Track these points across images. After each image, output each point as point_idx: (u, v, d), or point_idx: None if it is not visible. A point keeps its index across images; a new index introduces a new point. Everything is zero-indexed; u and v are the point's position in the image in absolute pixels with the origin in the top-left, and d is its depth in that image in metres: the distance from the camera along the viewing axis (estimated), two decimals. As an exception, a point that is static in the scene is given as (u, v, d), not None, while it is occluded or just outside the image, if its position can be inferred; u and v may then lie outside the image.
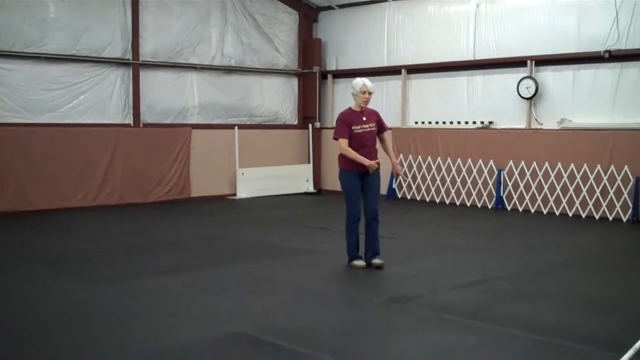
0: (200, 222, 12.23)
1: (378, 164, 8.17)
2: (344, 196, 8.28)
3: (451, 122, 14.85)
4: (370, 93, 8.16)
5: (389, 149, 8.63)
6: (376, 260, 8.20)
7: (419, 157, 15.07)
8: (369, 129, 8.18)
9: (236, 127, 15.69)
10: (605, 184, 12.44)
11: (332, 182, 16.86)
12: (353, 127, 8.13)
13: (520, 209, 13.52)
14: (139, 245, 9.86)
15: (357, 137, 8.13)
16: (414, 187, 15.19)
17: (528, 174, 13.40)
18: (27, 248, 9.65)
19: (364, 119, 8.18)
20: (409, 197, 15.25)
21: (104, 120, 14.03)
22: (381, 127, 8.39)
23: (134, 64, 14.27)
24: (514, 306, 6.67)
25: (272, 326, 5.93)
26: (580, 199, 12.73)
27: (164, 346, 5.44)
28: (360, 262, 8.25)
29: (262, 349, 5.39)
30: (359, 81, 8.18)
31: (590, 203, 12.61)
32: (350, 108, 8.28)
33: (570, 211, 12.85)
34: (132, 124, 14.37)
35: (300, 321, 6.16)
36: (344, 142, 8.11)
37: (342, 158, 8.18)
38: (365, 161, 8.04)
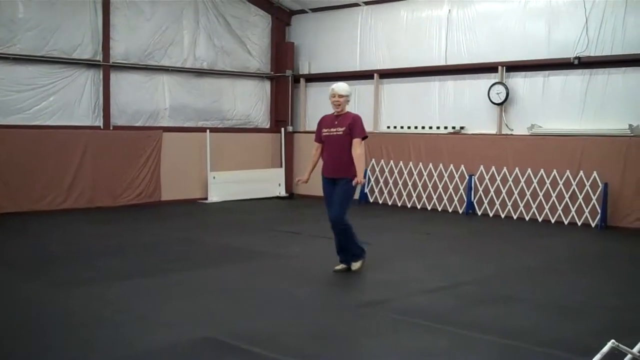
0: (171, 225, 12.12)
1: (299, 181, 8.50)
2: None
3: (423, 127, 14.90)
4: (340, 95, 8.02)
5: (355, 157, 7.94)
6: (336, 266, 8.26)
7: (391, 162, 15.11)
8: (335, 134, 8.01)
9: (208, 131, 15.59)
10: (574, 189, 12.56)
11: (304, 186, 16.79)
12: (323, 130, 8.15)
13: (491, 214, 13.60)
14: (108, 248, 9.73)
15: (324, 140, 8.16)
16: (385, 192, 15.22)
17: (498, 179, 13.49)
18: (-7, 251, 9.50)
19: (336, 122, 8.05)
20: (380, 201, 15.28)
21: (74, 122, 13.86)
22: (351, 133, 7.99)
23: (105, 66, 14.13)
24: (484, 310, 6.70)
25: (242, 331, 5.89)
26: (549, 204, 12.83)
27: (133, 351, 5.37)
28: (338, 266, 8.28)
29: (231, 354, 5.34)
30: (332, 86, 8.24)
31: (560, 208, 12.72)
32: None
33: (540, 216, 12.95)
34: (102, 127, 14.21)
35: (269, 326, 6.11)
36: (314, 145, 8.32)
37: None
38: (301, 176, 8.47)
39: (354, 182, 7.89)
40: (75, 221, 12.28)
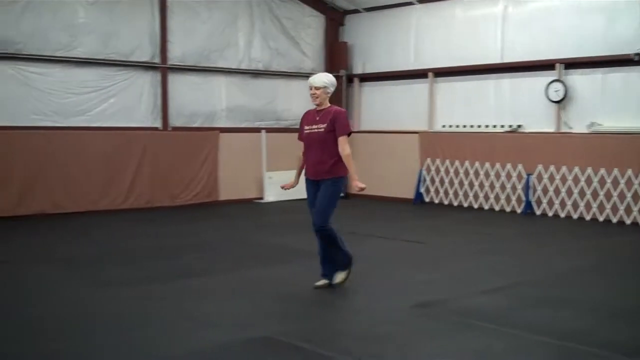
0: (226, 225, 12.26)
1: (284, 187, 7.56)
2: None
3: (479, 126, 14.73)
4: (316, 87, 7.22)
5: (344, 159, 7.19)
6: (317, 282, 7.45)
7: (447, 161, 14.97)
8: (316, 130, 7.24)
9: (263, 131, 15.73)
10: (636, 188, 12.25)
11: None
12: (304, 128, 7.43)
13: (550, 214, 13.36)
14: (163, 248, 9.89)
15: (305, 138, 7.43)
16: (441, 192, 15.09)
17: (557, 178, 13.25)
18: (51, 250, 9.74)
19: (317, 118, 7.29)
20: (436, 201, 15.15)
21: (133, 124, 14.14)
22: (334, 130, 7.19)
23: (162, 68, 14.38)
24: (540, 311, 6.59)
25: (295, 330, 5.92)
26: (610, 204, 12.54)
27: (184, 350, 5.44)
28: (319, 282, 7.44)
29: (285, 352, 5.38)
30: None
31: (621, 208, 12.42)
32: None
33: (601, 216, 12.67)
34: (160, 128, 14.47)
35: (324, 326, 6.14)
36: (300, 144, 7.53)
37: None
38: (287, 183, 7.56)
39: (356, 189, 7.07)
40: (133, 221, 12.53)
